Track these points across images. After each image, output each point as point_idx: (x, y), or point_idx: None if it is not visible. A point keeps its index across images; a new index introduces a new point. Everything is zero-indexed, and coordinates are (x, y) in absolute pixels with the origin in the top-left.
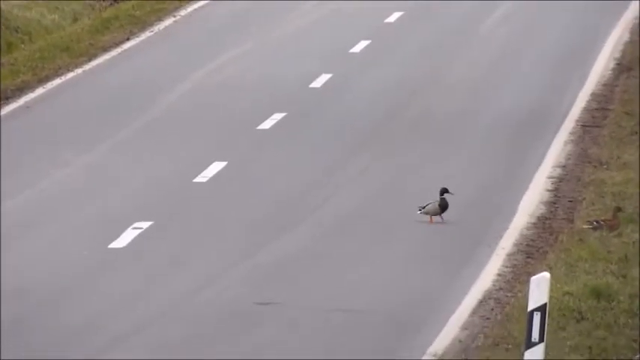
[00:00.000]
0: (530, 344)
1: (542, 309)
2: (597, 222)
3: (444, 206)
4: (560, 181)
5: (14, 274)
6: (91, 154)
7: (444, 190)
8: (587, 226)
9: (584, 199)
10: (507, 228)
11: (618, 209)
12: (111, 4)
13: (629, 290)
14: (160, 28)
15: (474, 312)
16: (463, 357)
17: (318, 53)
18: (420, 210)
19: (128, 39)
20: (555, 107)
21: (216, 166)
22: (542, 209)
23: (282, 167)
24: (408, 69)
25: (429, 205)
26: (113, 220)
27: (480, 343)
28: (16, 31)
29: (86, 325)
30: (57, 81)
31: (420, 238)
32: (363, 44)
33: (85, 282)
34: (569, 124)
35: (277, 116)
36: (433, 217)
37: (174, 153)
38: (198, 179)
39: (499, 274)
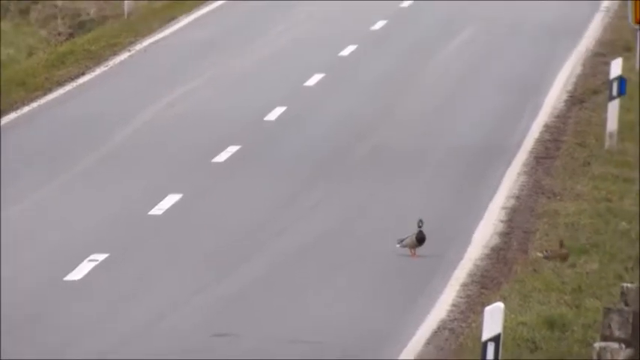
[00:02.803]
0: None
1: (496, 339)
2: (546, 252)
3: (420, 239)
4: (514, 212)
5: None
6: (47, 188)
7: (420, 223)
8: (540, 254)
9: (537, 229)
10: (462, 259)
11: (562, 242)
12: (67, 38)
13: (582, 320)
14: (116, 63)
15: (428, 342)
16: None
17: (273, 86)
18: (400, 243)
19: (84, 73)
20: (509, 139)
21: (172, 199)
22: (497, 240)
23: (238, 200)
24: (361, 102)
25: (407, 239)
26: (69, 253)
27: None
28: None
29: (41, 357)
30: (12, 115)
31: (375, 270)
32: (317, 77)
33: (41, 315)
34: (522, 156)
35: (232, 149)
36: (412, 249)
37: (129, 185)
38: (153, 211)
39: (453, 305)
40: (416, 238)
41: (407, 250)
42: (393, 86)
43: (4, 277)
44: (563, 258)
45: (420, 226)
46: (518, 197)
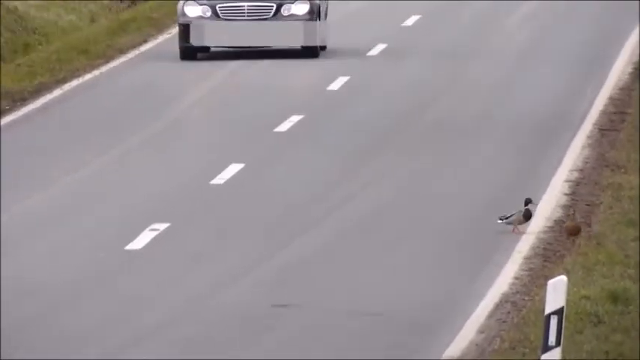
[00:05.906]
0: (547, 348)
1: (559, 312)
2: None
3: (527, 216)
4: (577, 185)
5: (30, 275)
6: (108, 156)
7: (528, 201)
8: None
9: (601, 202)
10: (524, 232)
11: (571, 214)
12: (129, 5)
13: None
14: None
15: (490, 315)
16: None
17: (336, 56)
18: (502, 219)
19: (145, 41)
20: (573, 111)
21: (234, 168)
22: (560, 213)
23: (300, 169)
24: (425, 73)
25: (514, 216)
26: (130, 222)
27: (496, 347)
28: (34, 32)
29: (101, 326)
30: (74, 82)
31: (437, 242)
32: (380, 47)
33: (101, 283)
34: (586, 128)
35: (294, 118)
36: (518, 226)
37: (191, 155)
38: (215, 181)
39: (516, 278)
40: (523, 215)
41: (506, 227)
42: (458, 54)
43: (63, 245)
44: (570, 233)
45: (526, 204)
46: (582, 170)
